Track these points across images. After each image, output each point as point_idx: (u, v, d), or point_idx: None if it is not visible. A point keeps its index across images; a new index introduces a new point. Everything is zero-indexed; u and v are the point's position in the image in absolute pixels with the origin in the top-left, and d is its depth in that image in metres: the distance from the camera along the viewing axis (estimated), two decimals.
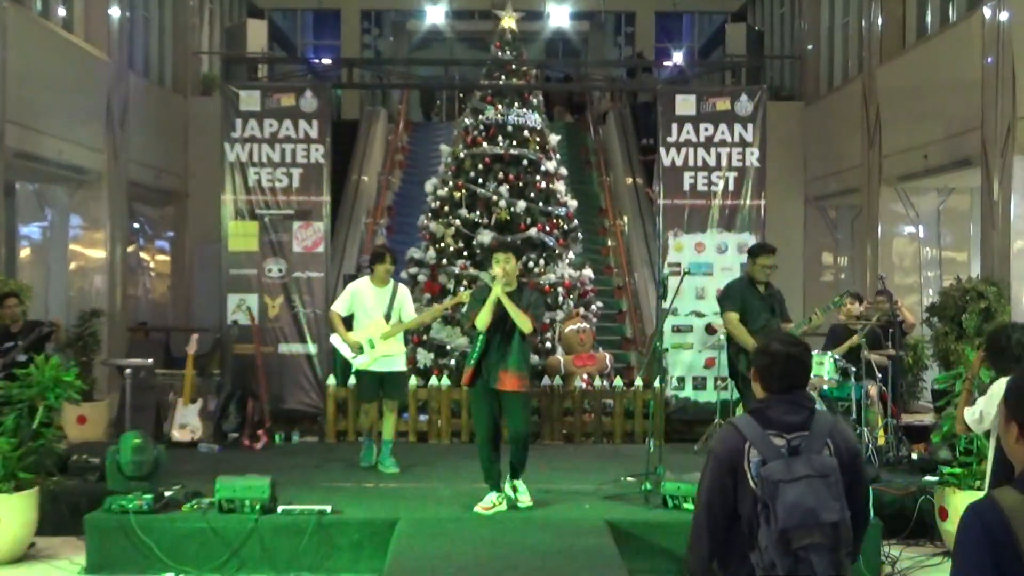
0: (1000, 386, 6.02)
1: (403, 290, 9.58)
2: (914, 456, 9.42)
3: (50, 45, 13.29)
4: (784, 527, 3.45)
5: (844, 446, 3.68)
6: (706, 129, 12.07)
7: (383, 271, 9.38)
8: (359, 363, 9.37)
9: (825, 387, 9.71)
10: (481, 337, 7.64)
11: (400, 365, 9.56)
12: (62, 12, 14.34)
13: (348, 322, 9.47)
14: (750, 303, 9.17)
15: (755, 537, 3.55)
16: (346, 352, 9.44)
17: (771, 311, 9.20)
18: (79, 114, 13.88)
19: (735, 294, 9.30)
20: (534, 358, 12.23)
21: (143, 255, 18.08)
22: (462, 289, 11.32)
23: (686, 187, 12.05)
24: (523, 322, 7.54)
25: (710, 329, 11.66)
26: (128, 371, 10.81)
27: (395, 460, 9.40)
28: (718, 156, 12.04)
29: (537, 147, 12.98)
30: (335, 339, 9.54)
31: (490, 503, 7.70)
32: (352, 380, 10.48)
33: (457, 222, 12.51)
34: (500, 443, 7.84)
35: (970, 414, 5.64)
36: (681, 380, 11.91)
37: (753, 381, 3.83)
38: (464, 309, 8.20)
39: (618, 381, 11.75)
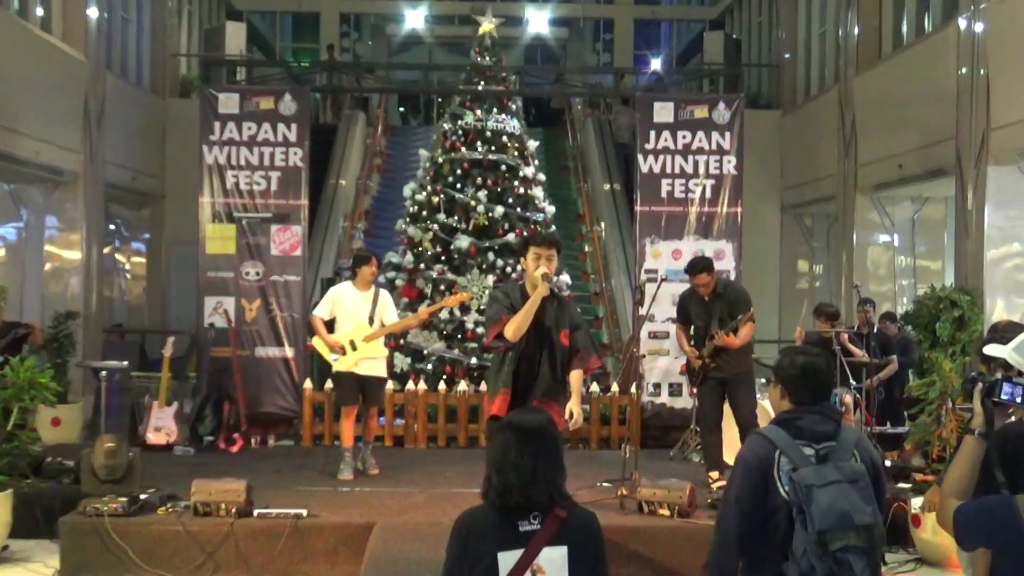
0: None
1: (385, 294, 9.50)
2: (887, 463, 9.48)
3: (27, 45, 13.20)
4: (820, 529, 3.45)
5: (868, 457, 3.71)
6: (684, 136, 12.11)
7: (368, 273, 9.33)
8: (340, 364, 9.27)
9: None
10: (511, 354, 6.47)
11: (382, 371, 9.50)
12: (40, 12, 14.24)
13: (330, 327, 9.40)
14: (693, 311, 9.14)
15: (788, 546, 3.53)
16: (327, 354, 9.36)
17: (716, 317, 9.08)
18: (56, 115, 13.80)
19: (679, 306, 9.37)
20: None
21: (119, 257, 17.99)
22: (448, 294, 11.21)
23: (663, 194, 12.09)
24: None
25: None
26: (103, 373, 10.75)
27: (375, 461, 9.46)
28: (695, 163, 12.09)
29: (515, 152, 13.00)
30: (317, 343, 9.45)
31: None
32: (329, 384, 10.49)
33: (435, 227, 12.53)
34: None
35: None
36: (657, 386, 11.95)
37: (772, 393, 3.83)
38: (487, 316, 6.64)
39: (594, 387, 11.78)
